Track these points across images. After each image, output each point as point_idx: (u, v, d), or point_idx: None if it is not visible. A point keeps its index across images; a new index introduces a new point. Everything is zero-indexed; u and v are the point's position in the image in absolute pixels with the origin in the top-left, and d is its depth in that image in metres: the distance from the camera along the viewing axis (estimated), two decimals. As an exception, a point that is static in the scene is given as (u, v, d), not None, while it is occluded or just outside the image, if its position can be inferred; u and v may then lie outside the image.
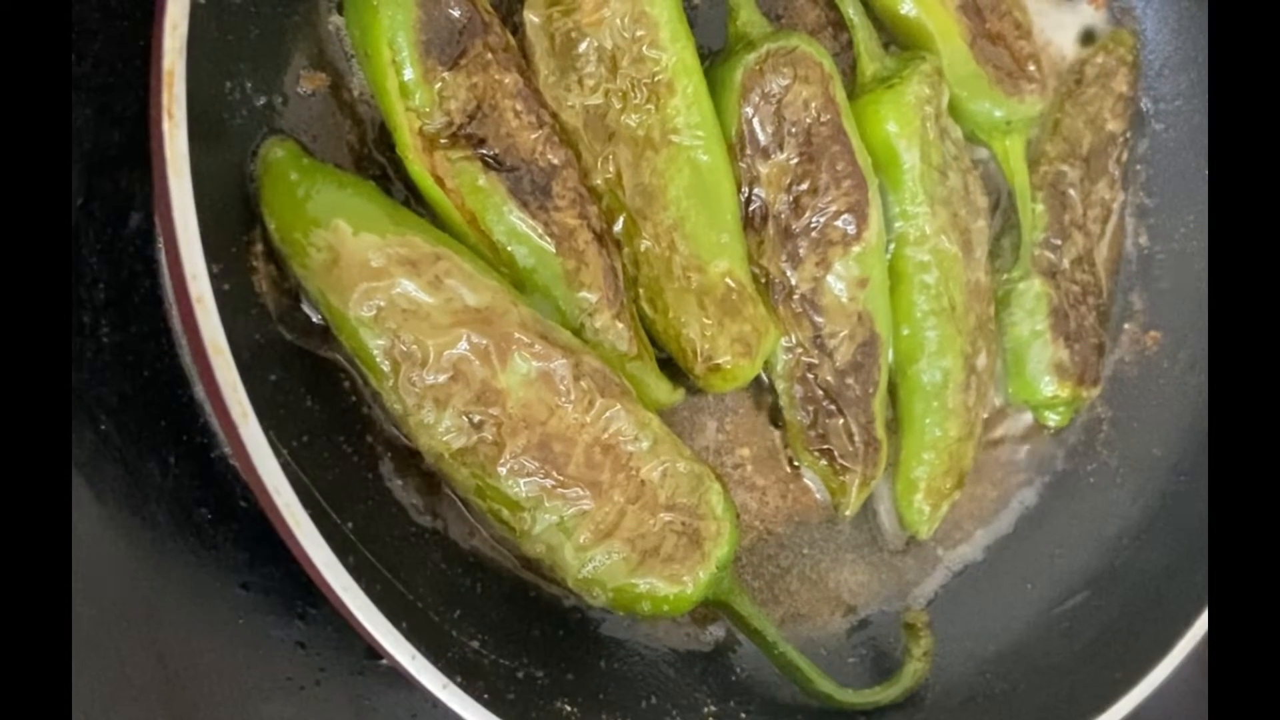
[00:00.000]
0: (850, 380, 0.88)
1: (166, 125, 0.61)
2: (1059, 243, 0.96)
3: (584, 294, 0.79)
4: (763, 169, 0.86)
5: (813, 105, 0.86)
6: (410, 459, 0.80)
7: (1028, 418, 1.00)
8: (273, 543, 0.67)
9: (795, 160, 0.86)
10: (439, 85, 0.75)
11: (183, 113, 0.62)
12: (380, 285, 0.72)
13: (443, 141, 0.76)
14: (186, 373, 0.78)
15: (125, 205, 0.77)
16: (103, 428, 0.75)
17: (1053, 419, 0.99)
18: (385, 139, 0.79)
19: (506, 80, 0.77)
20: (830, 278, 0.87)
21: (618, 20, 0.80)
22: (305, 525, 0.65)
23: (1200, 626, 0.89)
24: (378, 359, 0.73)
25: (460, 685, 0.70)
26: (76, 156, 0.74)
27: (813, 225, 0.86)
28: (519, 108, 0.78)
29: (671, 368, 0.86)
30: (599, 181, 0.81)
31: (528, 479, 0.75)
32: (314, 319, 0.76)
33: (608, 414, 0.77)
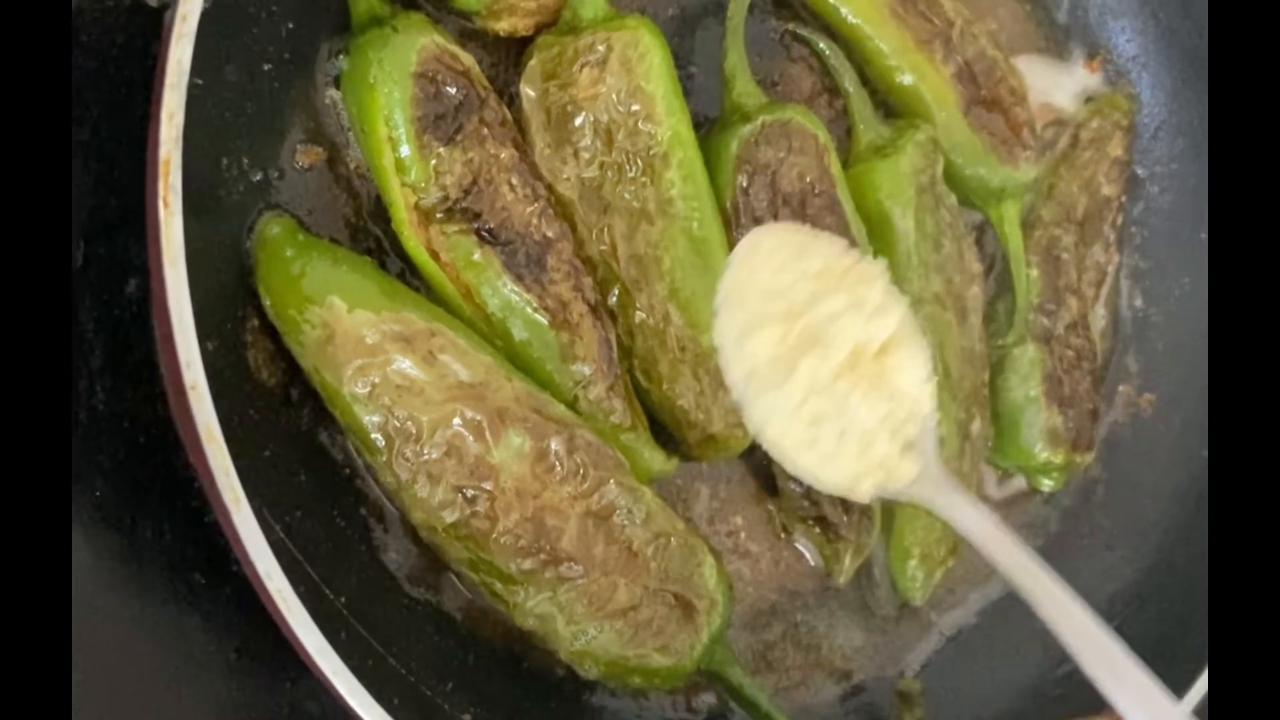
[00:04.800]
0: (844, 449, 0.88)
1: (163, 214, 0.62)
2: (1053, 308, 0.97)
3: (578, 367, 0.79)
4: (756, 238, 0.86)
5: (807, 177, 0.86)
6: (403, 532, 0.80)
7: (1021, 482, 1.00)
8: (266, 609, 0.68)
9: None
10: (434, 161, 0.75)
11: (179, 201, 0.62)
12: (375, 361, 0.73)
13: (438, 216, 0.76)
14: (181, 438, 0.78)
15: (122, 270, 0.77)
16: (98, 493, 0.75)
17: (1047, 484, 0.99)
18: (381, 212, 0.79)
19: (502, 155, 0.78)
20: (823, 347, 0.87)
21: (613, 95, 0.80)
22: (296, 610, 0.65)
23: (1196, 692, 0.89)
24: (372, 434, 0.74)
25: (452, 764, 0.70)
26: (75, 222, 0.74)
27: (807, 294, 0.87)
28: (514, 182, 0.78)
29: (665, 433, 0.86)
30: (594, 253, 0.82)
31: (520, 553, 0.75)
32: (308, 394, 0.76)
33: (601, 488, 0.77)
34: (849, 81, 0.92)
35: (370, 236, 0.81)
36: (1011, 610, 0.99)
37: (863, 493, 0.79)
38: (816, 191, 0.86)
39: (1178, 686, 0.89)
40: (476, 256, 0.77)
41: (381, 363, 0.73)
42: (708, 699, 0.89)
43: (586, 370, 0.79)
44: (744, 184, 0.86)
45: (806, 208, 0.86)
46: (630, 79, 0.80)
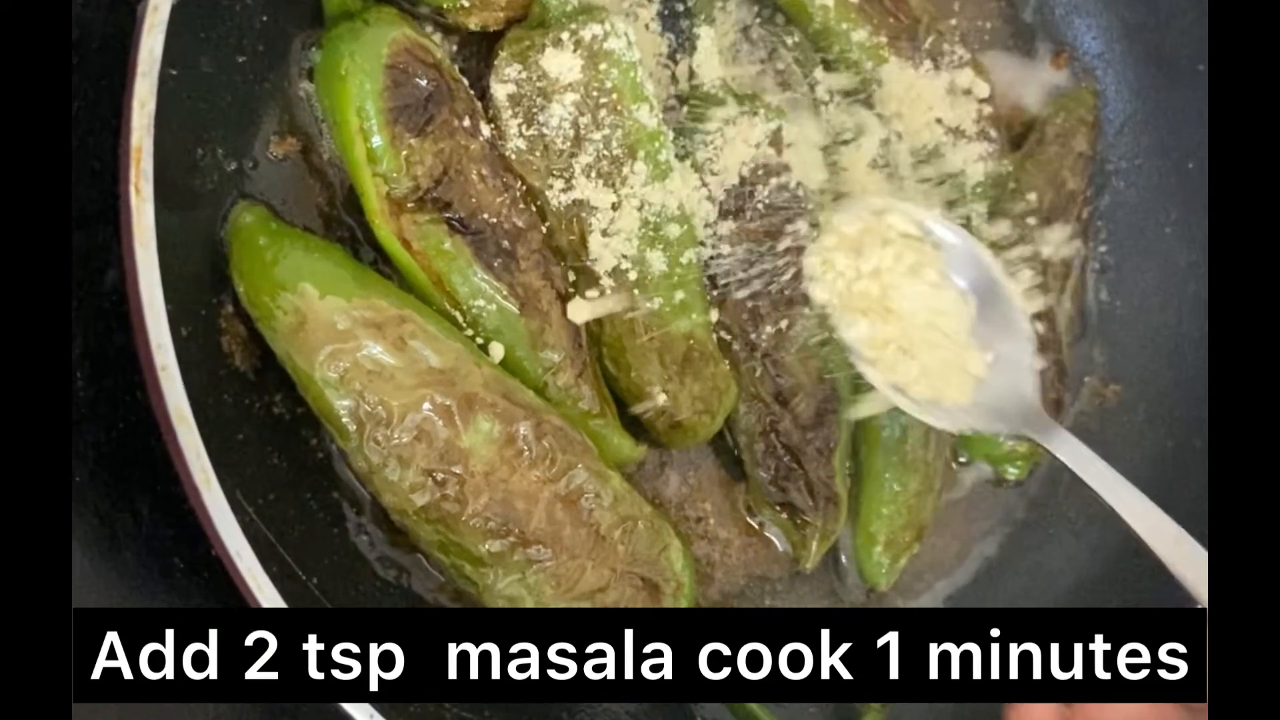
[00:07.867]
0: (811, 436, 0.90)
1: (134, 200, 0.63)
2: (1019, 300, 0.98)
3: (547, 353, 0.81)
4: (725, 230, 0.88)
5: (772, 164, 0.88)
6: (375, 515, 0.82)
7: (988, 470, 1.01)
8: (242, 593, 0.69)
9: (756, 223, 0.88)
10: (406, 152, 0.77)
11: (150, 188, 0.64)
12: (346, 347, 0.74)
13: (410, 205, 0.78)
14: (159, 424, 0.79)
15: (102, 261, 0.79)
16: (77, 478, 0.76)
17: (1012, 472, 1.00)
18: (354, 201, 0.80)
19: (472, 146, 0.79)
20: (791, 336, 0.89)
21: (582, 88, 0.82)
22: (267, 589, 0.67)
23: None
24: (343, 419, 0.75)
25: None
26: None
27: (774, 285, 0.88)
28: (484, 172, 0.80)
29: (635, 422, 0.87)
30: (563, 242, 0.83)
31: (490, 536, 0.77)
32: (282, 379, 0.78)
33: (569, 472, 0.78)
34: (812, 76, 0.94)
35: (343, 225, 0.82)
36: (977, 597, 1.00)
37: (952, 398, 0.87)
38: (780, 177, 0.88)
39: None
40: (447, 245, 0.78)
41: (353, 348, 0.74)
42: (677, 681, 0.90)
43: (555, 357, 0.81)
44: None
45: (773, 199, 0.88)
46: (598, 73, 0.82)
